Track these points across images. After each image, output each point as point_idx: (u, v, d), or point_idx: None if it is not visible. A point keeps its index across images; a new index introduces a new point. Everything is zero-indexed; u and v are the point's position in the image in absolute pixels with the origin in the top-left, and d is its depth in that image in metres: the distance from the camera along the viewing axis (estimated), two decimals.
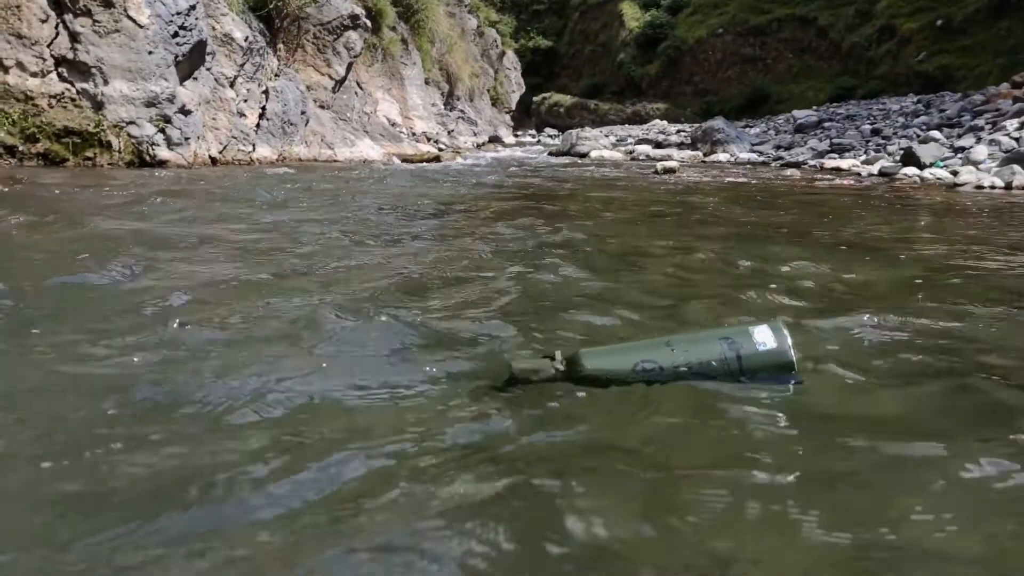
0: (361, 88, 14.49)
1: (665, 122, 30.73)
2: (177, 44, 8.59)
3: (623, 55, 38.73)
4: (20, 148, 7.30)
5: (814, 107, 23.53)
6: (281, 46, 12.07)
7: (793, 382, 1.60)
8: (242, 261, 3.00)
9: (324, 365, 1.72)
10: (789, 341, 1.60)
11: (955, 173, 8.33)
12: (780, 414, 1.47)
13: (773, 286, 2.61)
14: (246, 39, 10.28)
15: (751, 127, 21.75)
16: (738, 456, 1.29)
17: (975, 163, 8.71)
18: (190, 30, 8.75)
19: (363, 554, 0.99)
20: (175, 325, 1.96)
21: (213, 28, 9.77)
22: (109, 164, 7.87)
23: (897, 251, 3.67)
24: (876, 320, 2.13)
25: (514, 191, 7.22)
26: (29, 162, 7.32)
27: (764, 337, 1.60)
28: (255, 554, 0.98)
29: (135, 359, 1.70)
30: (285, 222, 4.27)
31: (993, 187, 7.34)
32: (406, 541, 1.02)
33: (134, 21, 8.09)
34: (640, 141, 20.11)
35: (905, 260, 3.44)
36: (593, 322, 2.15)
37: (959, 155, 9.40)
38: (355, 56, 13.23)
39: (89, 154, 7.78)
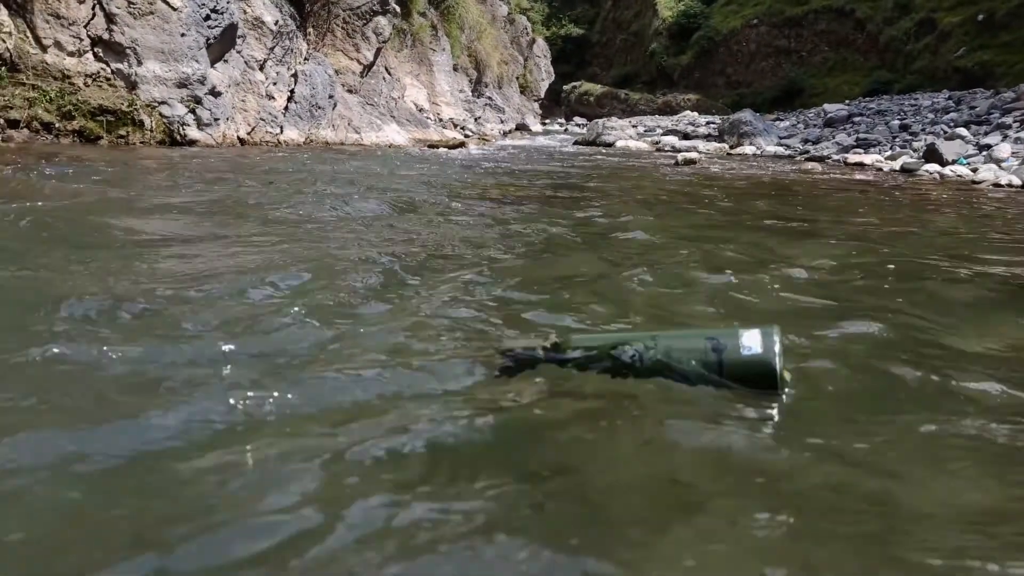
0: (389, 73, 14.68)
1: (696, 113, 30.52)
2: (209, 27, 8.82)
3: (655, 45, 38.49)
4: (56, 125, 7.59)
5: (847, 101, 23.23)
6: (311, 30, 12.28)
7: (776, 392, 1.50)
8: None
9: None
10: (777, 348, 1.50)
11: (975, 170, 8.29)
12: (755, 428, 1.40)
13: (731, 280, 2.67)
14: (276, 23, 10.50)
15: (782, 120, 21.55)
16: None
17: (998, 161, 8.64)
18: (222, 13, 8.98)
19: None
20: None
21: (244, 12, 9.99)
22: (141, 142, 8.15)
23: (865, 247, 3.71)
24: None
25: (525, 179, 7.34)
26: (64, 139, 7.60)
27: (751, 341, 1.52)
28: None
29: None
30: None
31: (1011, 185, 7.31)
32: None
33: (168, 4, 8.33)
34: (668, 132, 20.06)
35: (860, 255, 3.48)
36: (535, 309, 2.21)
37: (983, 152, 9.32)
38: (383, 41, 13.41)
39: (122, 132, 8.06)
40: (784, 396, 1.51)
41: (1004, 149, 8.87)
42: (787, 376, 1.55)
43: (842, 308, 2.36)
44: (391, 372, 1.61)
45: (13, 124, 7.25)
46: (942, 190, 7.28)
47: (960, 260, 3.39)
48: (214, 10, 8.87)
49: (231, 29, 9.26)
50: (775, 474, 1.23)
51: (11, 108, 7.25)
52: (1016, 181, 7.31)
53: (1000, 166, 8.39)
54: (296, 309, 2.02)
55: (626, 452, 1.32)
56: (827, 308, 2.36)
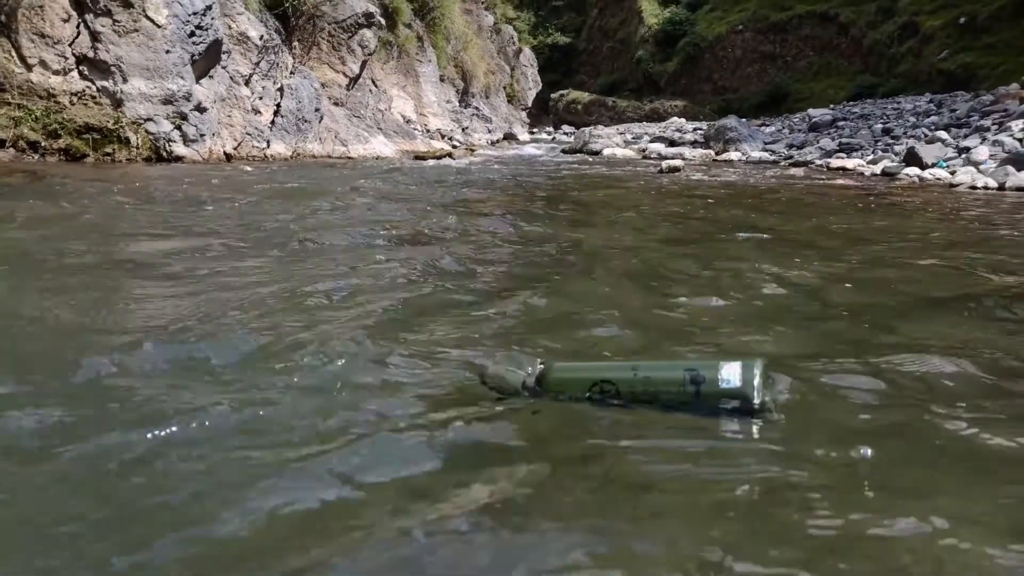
0: (376, 85, 14.76)
1: (683, 120, 30.71)
2: (193, 43, 8.88)
3: (642, 52, 38.75)
4: (43, 144, 7.63)
5: (831, 105, 23.44)
6: (296, 44, 12.36)
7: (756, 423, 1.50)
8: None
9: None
10: (756, 382, 1.50)
11: (953, 173, 8.41)
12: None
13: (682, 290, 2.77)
14: (261, 38, 10.57)
15: (768, 125, 21.72)
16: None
17: (976, 164, 8.76)
18: (206, 30, 9.04)
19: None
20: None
21: (229, 27, 10.06)
22: (127, 160, 8.19)
23: (829, 251, 3.81)
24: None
25: (505, 189, 7.44)
26: (51, 157, 7.64)
27: (730, 374, 1.52)
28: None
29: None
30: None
31: (987, 187, 7.43)
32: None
33: (152, 21, 8.40)
34: (655, 139, 20.19)
35: (820, 260, 3.60)
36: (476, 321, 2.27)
37: (963, 155, 9.45)
38: (369, 54, 13.50)
39: (108, 150, 8.10)
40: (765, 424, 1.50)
41: (982, 152, 9.00)
42: (772, 408, 1.53)
43: (801, 326, 2.44)
44: (371, 396, 1.65)
45: None
46: (919, 194, 7.39)
47: (916, 266, 3.49)
48: (199, 27, 8.94)
49: (216, 45, 9.32)
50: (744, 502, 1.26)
51: None
52: (992, 183, 7.43)
53: (978, 168, 8.51)
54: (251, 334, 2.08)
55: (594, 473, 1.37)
56: (779, 327, 2.44)
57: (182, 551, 1.06)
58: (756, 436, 1.48)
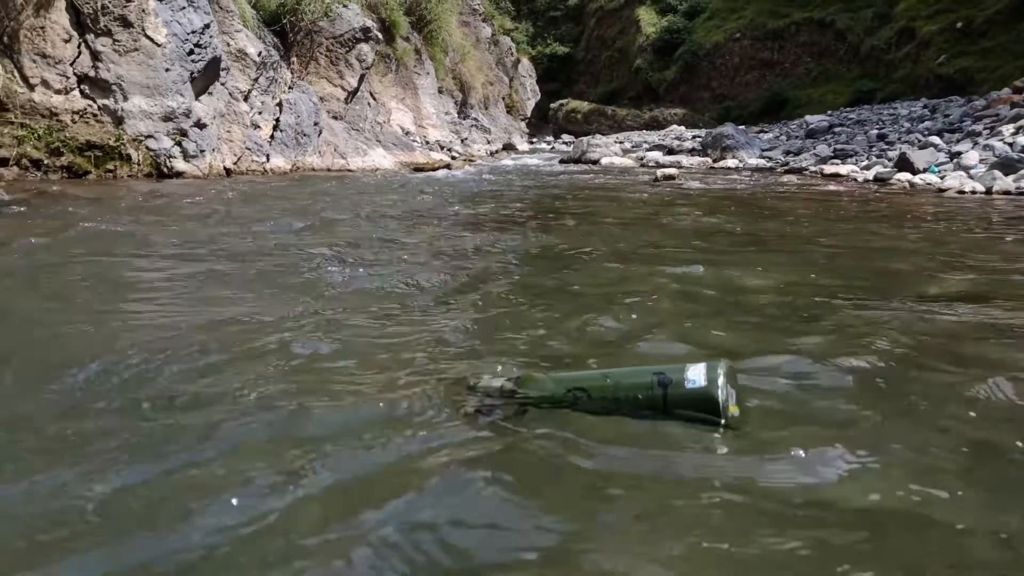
0: (374, 98, 14.92)
1: (683, 127, 30.87)
2: (193, 61, 9.04)
3: (640, 60, 38.95)
4: (45, 162, 7.77)
5: (829, 112, 23.57)
6: (295, 59, 12.53)
7: (720, 422, 1.56)
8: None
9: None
10: (720, 381, 1.56)
11: (942, 178, 8.51)
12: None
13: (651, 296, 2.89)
14: (259, 54, 10.73)
15: (766, 132, 21.85)
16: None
17: (967, 168, 8.85)
18: (205, 47, 9.20)
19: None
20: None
21: (228, 44, 10.22)
22: (129, 176, 8.33)
23: (806, 265, 3.92)
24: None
25: (498, 201, 7.54)
26: (53, 175, 7.78)
27: (696, 375, 1.57)
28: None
29: None
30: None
31: (975, 192, 7.52)
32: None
33: (152, 40, 8.55)
34: (653, 147, 20.30)
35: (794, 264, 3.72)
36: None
37: (954, 160, 9.54)
38: (367, 68, 13.66)
39: (110, 167, 8.24)
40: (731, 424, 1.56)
41: (972, 157, 9.09)
42: (733, 408, 1.58)
43: (766, 332, 2.54)
44: (356, 406, 1.72)
45: (3, 162, 7.42)
46: (906, 199, 7.49)
47: (883, 273, 3.59)
48: (197, 44, 9.10)
49: (215, 62, 9.48)
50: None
51: (1, 147, 7.43)
52: (980, 188, 7.53)
53: (968, 173, 8.60)
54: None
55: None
56: (745, 333, 2.54)
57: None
58: (724, 435, 1.56)
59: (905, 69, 28.62)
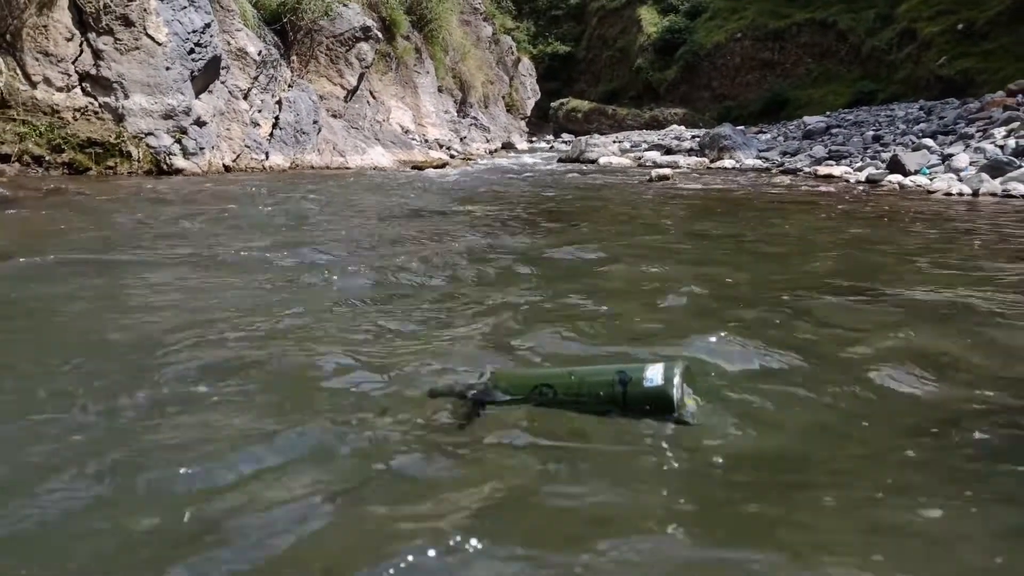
0: (374, 97, 15.03)
1: (683, 127, 30.92)
2: (193, 60, 9.16)
3: (641, 60, 39.00)
4: (47, 158, 7.89)
5: (827, 112, 23.63)
6: (295, 58, 12.65)
7: (672, 420, 1.64)
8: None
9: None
10: (676, 380, 1.65)
11: (932, 180, 8.61)
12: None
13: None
14: (260, 53, 10.85)
15: (765, 132, 21.92)
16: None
17: (957, 171, 8.95)
18: (205, 47, 9.32)
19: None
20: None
21: (228, 43, 10.34)
22: (129, 173, 8.45)
23: (788, 258, 4.05)
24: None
25: (491, 200, 7.66)
26: (55, 171, 7.90)
27: (654, 374, 1.67)
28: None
29: None
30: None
31: (961, 194, 7.63)
32: None
33: (153, 39, 8.67)
34: (652, 147, 20.39)
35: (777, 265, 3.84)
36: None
37: (945, 163, 9.63)
38: (367, 67, 13.77)
39: (110, 163, 8.37)
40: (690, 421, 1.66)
41: (963, 159, 9.18)
42: (689, 405, 1.68)
43: (725, 326, 2.66)
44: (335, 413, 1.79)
45: (5, 158, 7.55)
46: (891, 201, 7.59)
47: (852, 273, 3.71)
48: (198, 44, 9.22)
49: (215, 61, 9.60)
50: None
51: (2, 143, 7.55)
52: (966, 190, 7.63)
53: (958, 176, 8.70)
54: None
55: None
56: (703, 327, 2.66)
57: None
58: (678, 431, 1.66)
59: (906, 70, 28.64)
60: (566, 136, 33.81)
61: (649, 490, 1.39)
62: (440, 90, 18.41)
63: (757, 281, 3.37)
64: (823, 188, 9.38)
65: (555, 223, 5.87)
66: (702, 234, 5.28)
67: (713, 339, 2.27)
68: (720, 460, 1.51)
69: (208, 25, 9.40)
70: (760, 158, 15.21)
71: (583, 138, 18.20)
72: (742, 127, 23.28)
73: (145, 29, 8.62)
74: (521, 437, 1.62)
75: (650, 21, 39.74)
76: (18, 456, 1.48)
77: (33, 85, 8.04)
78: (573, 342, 2.35)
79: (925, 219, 6.01)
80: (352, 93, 13.62)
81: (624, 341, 2.38)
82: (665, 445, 1.57)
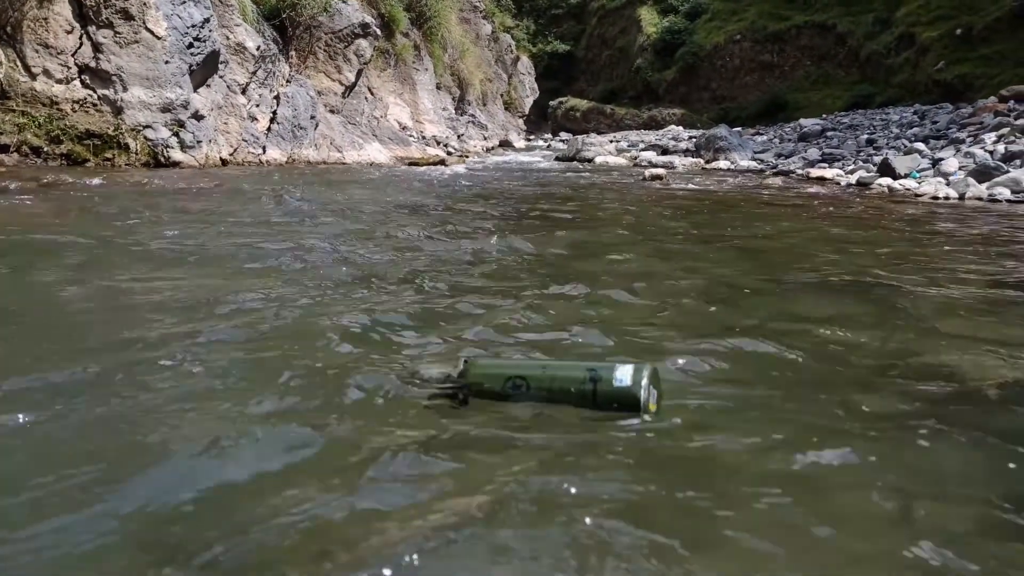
0: (372, 93, 15.13)
1: (681, 128, 30.97)
2: (192, 54, 9.25)
3: (640, 60, 39.02)
4: (45, 149, 7.99)
5: (823, 115, 23.74)
6: (293, 53, 12.73)
7: (638, 419, 1.71)
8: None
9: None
10: (644, 383, 1.72)
11: (919, 184, 8.72)
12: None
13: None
14: (258, 48, 10.94)
15: (762, 134, 22.03)
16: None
17: (946, 175, 9.06)
18: (204, 41, 9.41)
19: None
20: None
21: (227, 38, 10.43)
22: (127, 164, 8.55)
23: (768, 258, 4.17)
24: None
25: (473, 195, 7.77)
26: (53, 162, 8.00)
27: (623, 374, 1.73)
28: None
29: None
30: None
31: (948, 198, 7.74)
32: None
33: (152, 33, 8.76)
34: (648, 147, 20.49)
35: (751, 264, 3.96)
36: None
37: (935, 167, 9.75)
38: (365, 63, 13.87)
39: (108, 155, 8.47)
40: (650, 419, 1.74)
41: (952, 164, 9.30)
42: (653, 407, 1.75)
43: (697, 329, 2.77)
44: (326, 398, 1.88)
45: (3, 149, 7.65)
46: (876, 203, 7.70)
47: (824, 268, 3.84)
48: (197, 38, 9.31)
49: (214, 56, 9.69)
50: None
51: (1, 134, 7.65)
52: (953, 194, 7.74)
53: (947, 180, 8.81)
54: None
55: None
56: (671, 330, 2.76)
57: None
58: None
59: (904, 74, 28.74)
60: (564, 135, 33.85)
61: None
62: (438, 87, 18.51)
63: (718, 277, 3.48)
64: (812, 190, 9.49)
65: (541, 220, 5.97)
66: (679, 232, 5.40)
67: (673, 334, 2.38)
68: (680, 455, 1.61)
69: (207, 20, 9.49)
70: (755, 159, 15.33)
71: (580, 137, 18.31)
72: (739, 128, 23.37)
73: (145, 23, 8.71)
74: (507, 435, 1.70)
75: (650, 21, 39.77)
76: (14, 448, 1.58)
77: (33, 77, 8.13)
78: (540, 331, 2.46)
79: (903, 221, 6.13)
80: (350, 89, 13.71)
81: (581, 328, 2.48)
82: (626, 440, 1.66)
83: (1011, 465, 1.56)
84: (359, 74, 13.82)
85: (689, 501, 1.41)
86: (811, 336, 2.47)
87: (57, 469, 1.42)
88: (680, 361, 2.18)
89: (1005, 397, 1.97)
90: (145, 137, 8.76)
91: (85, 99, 8.45)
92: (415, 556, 1.18)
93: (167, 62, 8.87)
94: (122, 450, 1.52)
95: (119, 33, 8.60)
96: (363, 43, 13.52)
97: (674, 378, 2.03)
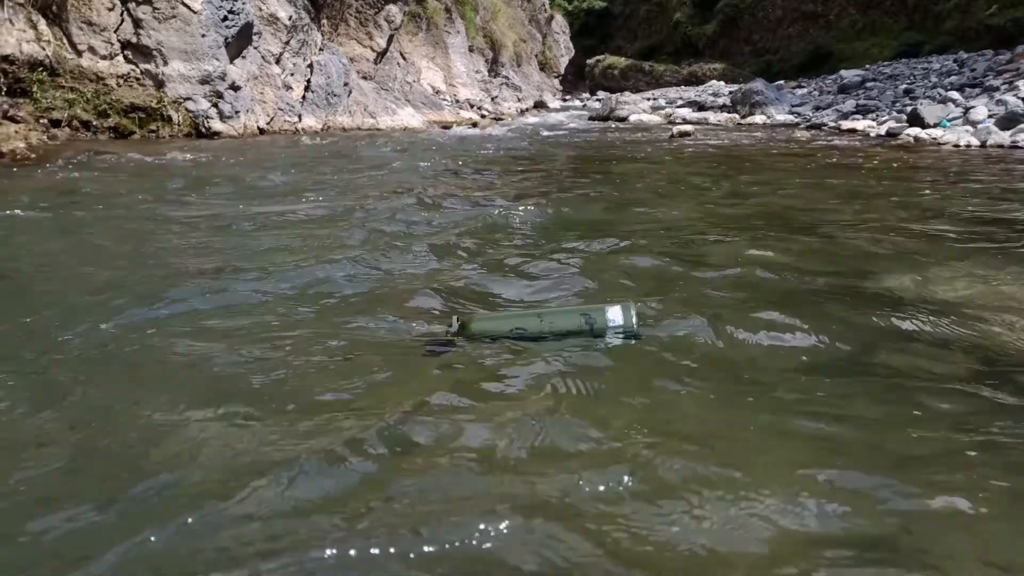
0: (404, 58, 15.36)
1: (722, 83, 30.37)
2: (227, 27, 9.61)
3: (679, 15, 38.24)
4: (94, 123, 8.45)
5: (866, 66, 23.13)
6: (325, 22, 13.02)
7: (634, 340, 2.09)
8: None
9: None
10: (634, 320, 2.11)
11: (945, 132, 8.67)
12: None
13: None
14: (290, 18, 11.25)
15: (802, 87, 21.61)
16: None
17: (975, 123, 8.98)
18: (238, 14, 9.75)
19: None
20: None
21: (260, 10, 10.76)
22: (170, 136, 8.99)
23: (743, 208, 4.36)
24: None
25: (510, 157, 8.02)
26: (101, 135, 8.47)
27: (615, 315, 2.11)
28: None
29: None
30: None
31: (969, 146, 7.71)
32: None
33: (188, 7, 9.13)
34: (686, 104, 20.36)
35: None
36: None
37: (965, 115, 9.63)
38: (395, 28, 14.09)
39: (152, 127, 8.92)
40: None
41: (981, 111, 9.20)
42: (640, 334, 2.11)
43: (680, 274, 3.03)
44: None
45: (56, 124, 8.12)
46: (896, 153, 7.72)
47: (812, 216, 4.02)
48: (231, 11, 9.65)
49: (247, 27, 10.03)
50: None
51: (53, 109, 8.12)
52: (975, 141, 7.72)
53: (975, 127, 8.73)
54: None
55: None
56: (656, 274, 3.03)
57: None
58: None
59: (954, 20, 27.66)
60: (602, 94, 33.51)
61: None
62: (471, 50, 18.62)
63: (693, 221, 3.72)
64: (837, 141, 9.49)
65: (565, 178, 6.22)
66: (686, 182, 5.59)
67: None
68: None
69: None
70: (792, 113, 15.16)
71: (614, 96, 18.28)
72: (781, 82, 22.92)
73: None
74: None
75: None
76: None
77: (79, 54, 8.57)
78: (532, 280, 2.75)
79: (910, 168, 6.20)
80: (382, 55, 13.96)
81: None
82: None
83: None
84: (390, 40, 14.05)
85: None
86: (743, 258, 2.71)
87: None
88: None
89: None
90: (186, 109, 9.18)
91: (128, 74, 8.88)
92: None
93: (203, 35, 9.24)
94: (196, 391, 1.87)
95: (157, 9, 8.98)
96: (393, 8, 13.72)
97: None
